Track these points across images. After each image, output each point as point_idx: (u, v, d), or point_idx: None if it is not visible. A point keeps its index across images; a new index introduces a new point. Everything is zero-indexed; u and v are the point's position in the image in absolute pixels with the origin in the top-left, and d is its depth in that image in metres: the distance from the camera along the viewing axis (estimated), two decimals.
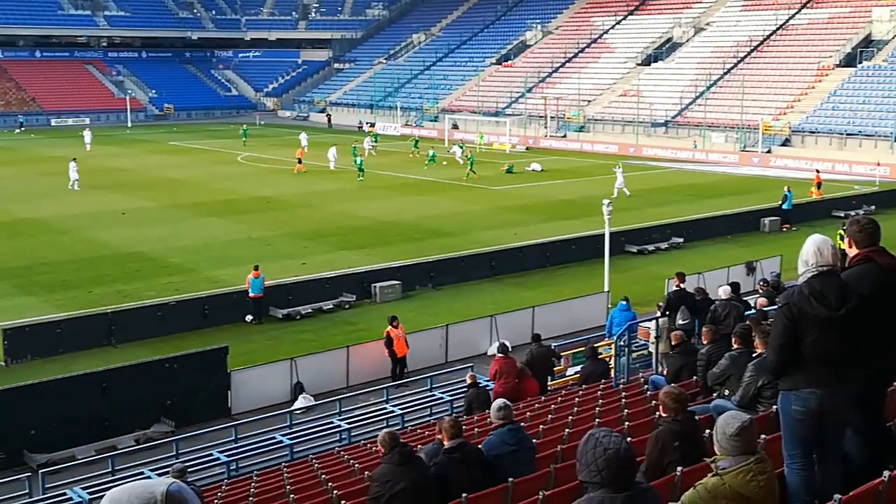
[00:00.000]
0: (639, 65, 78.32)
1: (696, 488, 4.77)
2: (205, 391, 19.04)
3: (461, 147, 58.05)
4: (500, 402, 8.79)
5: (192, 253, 32.37)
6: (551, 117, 74.04)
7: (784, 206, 37.51)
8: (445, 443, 8.18)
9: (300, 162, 52.61)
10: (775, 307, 7.29)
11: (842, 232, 25.70)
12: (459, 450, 8.00)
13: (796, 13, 74.95)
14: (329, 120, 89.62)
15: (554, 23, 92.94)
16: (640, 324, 18.72)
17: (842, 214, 37.08)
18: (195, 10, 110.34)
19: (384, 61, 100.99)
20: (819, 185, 42.52)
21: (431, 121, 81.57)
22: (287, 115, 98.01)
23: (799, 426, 5.80)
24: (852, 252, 5.93)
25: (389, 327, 20.63)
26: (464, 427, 8.84)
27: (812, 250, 5.83)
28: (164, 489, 2.17)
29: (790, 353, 5.72)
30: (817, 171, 44.77)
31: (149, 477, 13.80)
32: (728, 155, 59.98)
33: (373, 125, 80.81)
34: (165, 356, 19.63)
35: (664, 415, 7.42)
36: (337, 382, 20.55)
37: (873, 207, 39.87)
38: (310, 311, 25.70)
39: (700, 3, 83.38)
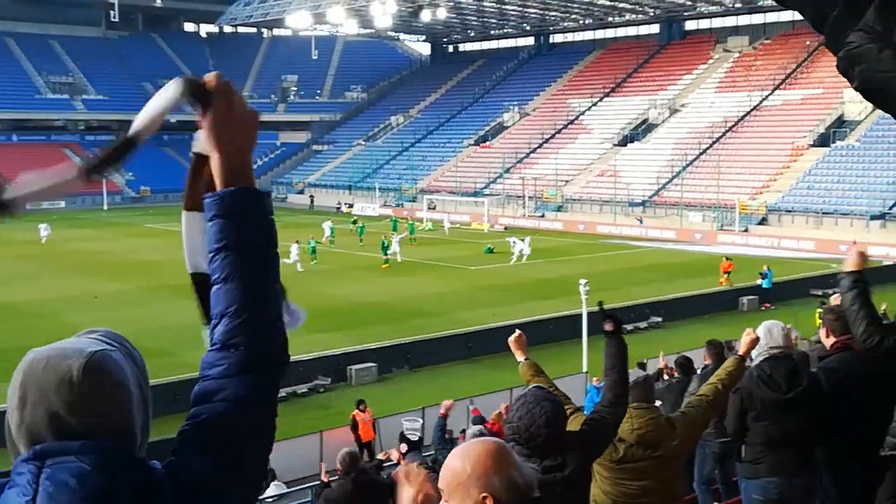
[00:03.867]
0: (615, 145, 79.16)
1: None
2: None
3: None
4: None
5: (167, 337, 31.74)
6: (529, 197, 74.38)
7: (764, 285, 37.49)
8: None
9: None
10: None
11: (821, 310, 25.69)
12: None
13: (770, 94, 76.25)
14: (312, 201, 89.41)
15: (531, 104, 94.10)
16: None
17: (819, 293, 37.03)
18: None
19: (363, 143, 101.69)
20: (728, 273, 40.37)
21: (410, 201, 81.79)
22: None
23: None
24: (829, 341, 5.96)
25: (356, 410, 20.21)
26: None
27: (763, 332, 6.01)
28: (82, 362, 1.72)
29: (743, 428, 5.97)
30: (726, 258, 42.04)
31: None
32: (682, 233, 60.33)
33: (351, 206, 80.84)
34: None
35: None
36: (310, 469, 19.97)
37: None
38: (283, 395, 25.11)
39: (675, 84, 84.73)
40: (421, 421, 18.56)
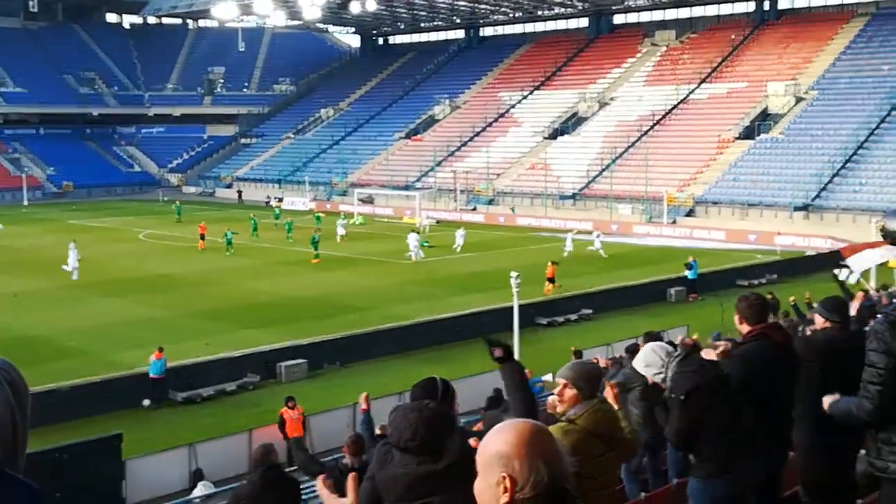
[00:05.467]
0: (546, 138, 79.56)
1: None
2: (97, 481, 17.95)
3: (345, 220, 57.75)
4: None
5: (90, 335, 31.06)
6: (461, 191, 74.40)
7: (690, 276, 37.93)
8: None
9: (203, 238, 51.40)
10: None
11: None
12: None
13: (696, 88, 77.37)
14: (240, 195, 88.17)
15: (462, 97, 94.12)
16: (548, 397, 18.44)
17: (745, 283, 37.61)
18: (96, 86, 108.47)
19: (292, 136, 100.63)
20: (552, 280, 37.82)
21: (340, 195, 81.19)
22: (192, 191, 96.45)
23: None
24: (745, 329, 6.08)
25: (284, 408, 19.86)
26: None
27: (655, 346, 6.59)
28: None
29: (695, 440, 5.92)
30: (552, 262, 39.06)
31: None
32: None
33: (280, 200, 79.90)
34: (54, 446, 18.44)
35: None
36: (239, 468, 19.56)
37: (776, 276, 40.59)
38: (212, 393, 24.68)
39: (604, 78, 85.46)
40: None
